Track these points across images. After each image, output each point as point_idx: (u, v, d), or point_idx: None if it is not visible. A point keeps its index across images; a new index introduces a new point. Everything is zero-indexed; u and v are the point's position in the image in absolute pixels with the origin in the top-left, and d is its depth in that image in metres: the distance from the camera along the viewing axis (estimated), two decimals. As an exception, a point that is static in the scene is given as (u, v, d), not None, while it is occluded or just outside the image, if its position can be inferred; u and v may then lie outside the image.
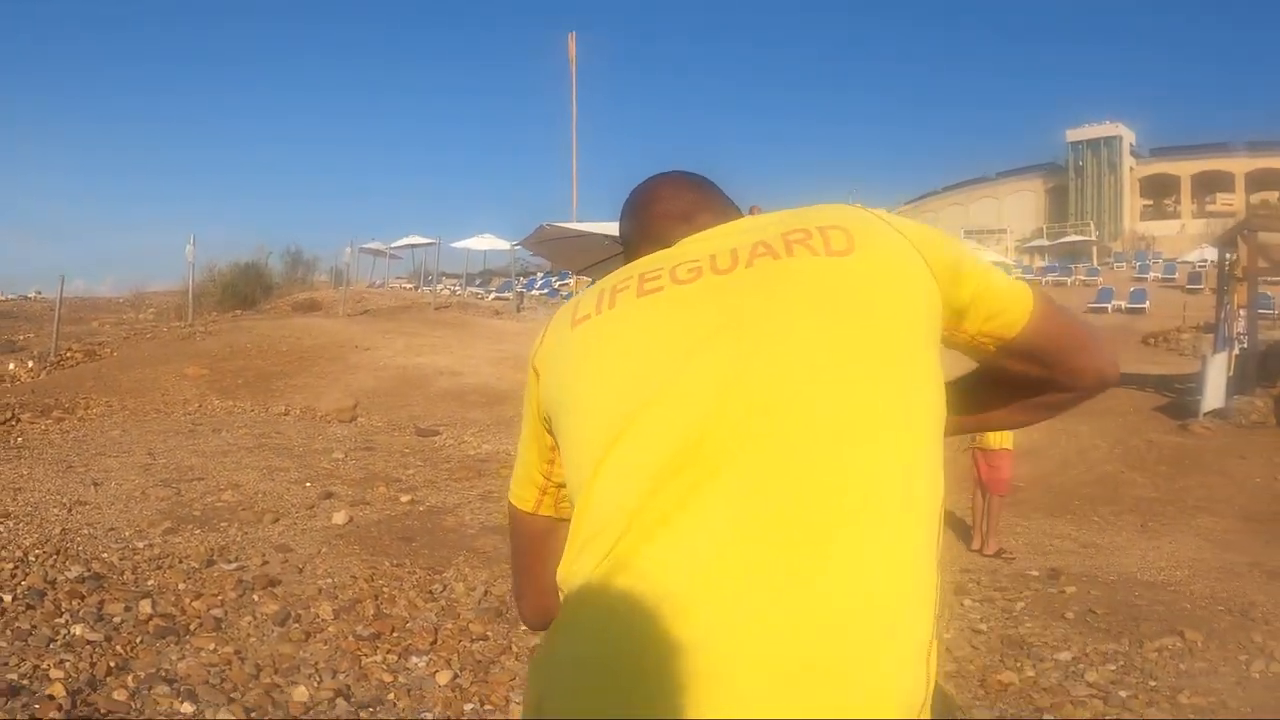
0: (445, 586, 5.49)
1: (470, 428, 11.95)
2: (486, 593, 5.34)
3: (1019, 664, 4.89)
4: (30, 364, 13.75)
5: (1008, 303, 1.14)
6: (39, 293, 30.75)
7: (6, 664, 3.74)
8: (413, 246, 36.85)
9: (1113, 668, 4.86)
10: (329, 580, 5.37)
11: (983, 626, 5.55)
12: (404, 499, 7.62)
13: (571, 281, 28.58)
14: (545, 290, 35.19)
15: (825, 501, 0.89)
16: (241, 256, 25.93)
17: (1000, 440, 7.65)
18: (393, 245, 38.14)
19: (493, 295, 34.36)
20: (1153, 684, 4.64)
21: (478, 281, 39.89)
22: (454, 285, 37.38)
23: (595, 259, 9.68)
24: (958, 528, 8.46)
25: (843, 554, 0.87)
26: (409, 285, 37.10)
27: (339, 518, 6.76)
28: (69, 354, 14.44)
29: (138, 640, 4.19)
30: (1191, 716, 4.27)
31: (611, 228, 9.06)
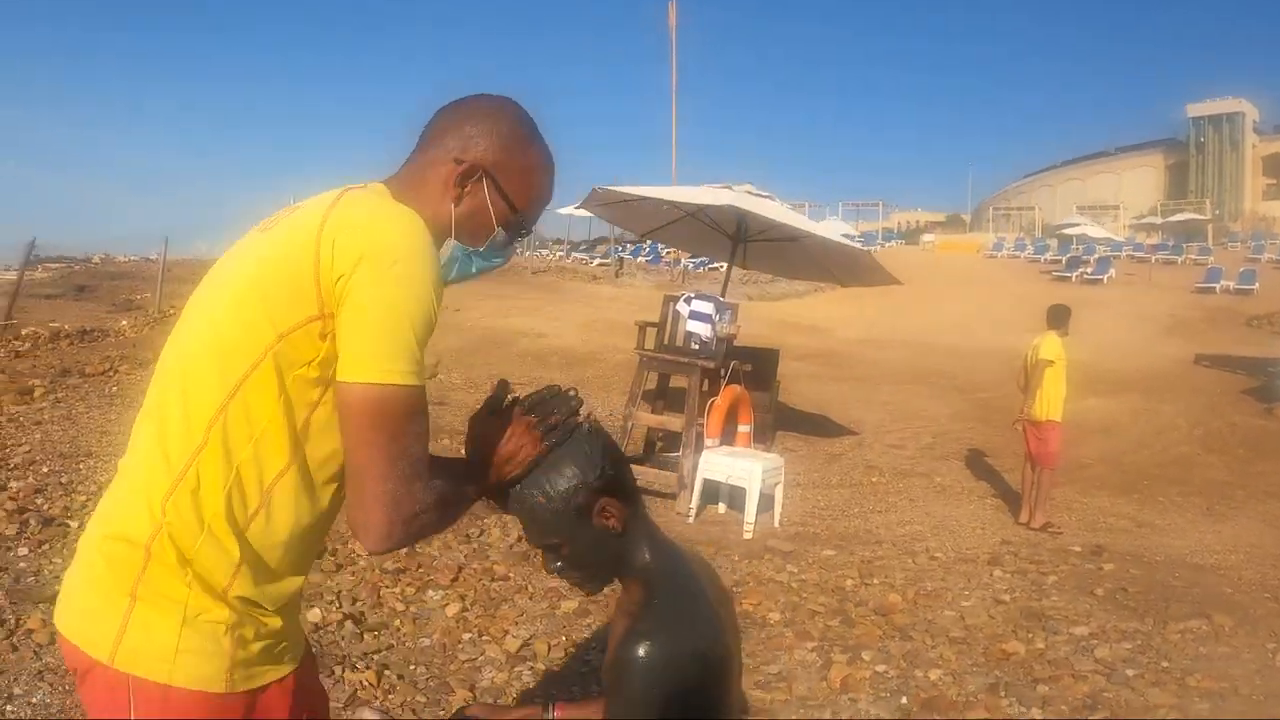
0: (483, 531, 5.74)
1: (544, 387, 12.20)
2: (520, 538, 5.57)
3: (1030, 636, 4.87)
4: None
5: (350, 352, 1.29)
6: (160, 254, 32.18)
7: (58, 577, 4.14)
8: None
9: (1128, 646, 4.79)
10: (374, 522, 5.67)
11: (1006, 597, 5.52)
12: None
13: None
14: (650, 257, 33.60)
15: (150, 418, 1.35)
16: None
17: (1048, 412, 7.51)
18: (498, 211, 38.59)
19: (595, 261, 33.89)
20: (1165, 665, 4.57)
21: (582, 247, 39.81)
22: (560, 251, 37.78)
23: (655, 223, 9.73)
24: (1010, 499, 8.34)
25: (139, 451, 1.36)
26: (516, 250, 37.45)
27: (398, 465, 7.07)
28: (172, 311, 15.28)
29: (181, 564, 4.54)
30: (1196, 699, 4.20)
31: (664, 192, 9.15)
